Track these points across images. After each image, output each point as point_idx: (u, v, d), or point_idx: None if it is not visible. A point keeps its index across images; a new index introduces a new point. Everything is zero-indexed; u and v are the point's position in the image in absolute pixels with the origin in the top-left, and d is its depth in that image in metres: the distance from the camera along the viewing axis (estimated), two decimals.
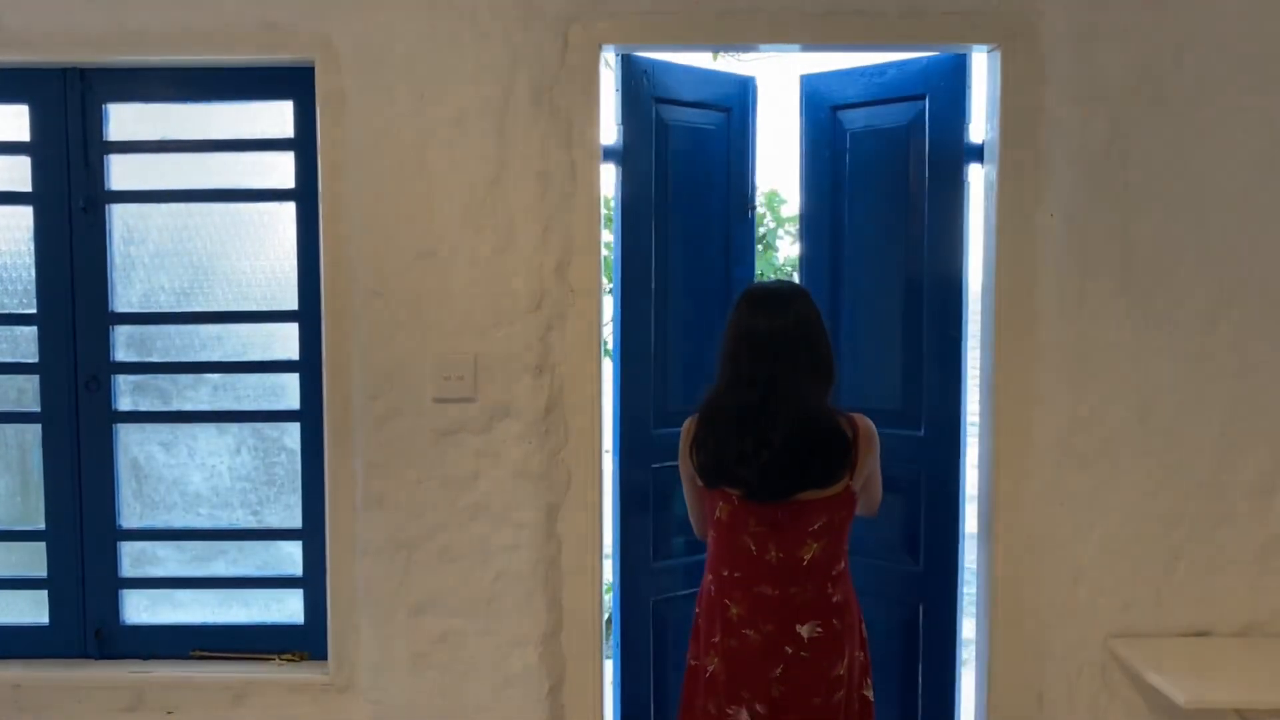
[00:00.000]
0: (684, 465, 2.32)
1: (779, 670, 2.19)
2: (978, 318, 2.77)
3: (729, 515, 2.23)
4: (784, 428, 2.13)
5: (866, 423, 2.25)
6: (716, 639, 2.25)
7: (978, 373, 2.79)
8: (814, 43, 2.66)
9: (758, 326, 2.19)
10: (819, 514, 2.19)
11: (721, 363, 2.25)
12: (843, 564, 2.25)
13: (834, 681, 2.20)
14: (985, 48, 2.64)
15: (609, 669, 2.94)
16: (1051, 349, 2.62)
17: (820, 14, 2.59)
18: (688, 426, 2.31)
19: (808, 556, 2.18)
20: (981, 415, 2.74)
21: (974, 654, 2.80)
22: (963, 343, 2.81)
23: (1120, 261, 2.60)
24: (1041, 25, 2.57)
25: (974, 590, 2.80)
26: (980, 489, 2.74)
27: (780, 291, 2.26)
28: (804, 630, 2.19)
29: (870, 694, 2.33)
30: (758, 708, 2.19)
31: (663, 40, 2.68)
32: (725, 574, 2.25)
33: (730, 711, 2.21)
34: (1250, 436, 2.63)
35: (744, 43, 2.73)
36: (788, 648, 2.18)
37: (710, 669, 2.26)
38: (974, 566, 2.80)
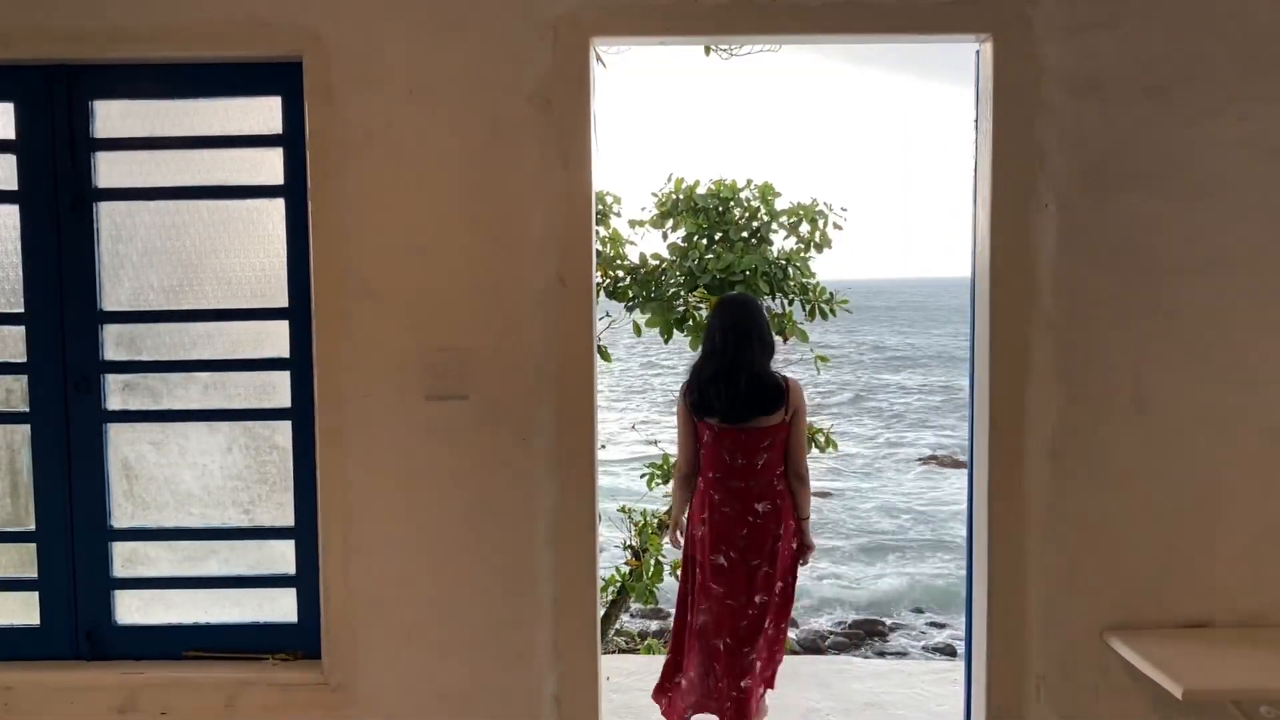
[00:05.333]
0: (680, 409, 3.41)
1: (744, 531, 3.30)
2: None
3: (712, 438, 3.33)
4: (743, 380, 3.27)
5: (795, 380, 3.36)
6: (704, 515, 3.35)
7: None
8: (807, 34, 2.64)
9: (727, 321, 3.35)
10: (767, 435, 3.30)
11: (704, 342, 3.43)
12: (781, 468, 3.35)
13: (777, 537, 3.32)
14: (977, 38, 2.63)
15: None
16: (1047, 339, 2.61)
17: (814, 5, 2.57)
18: (683, 385, 3.42)
19: (760, 462, 3.30)
20: (977, 405, 2.72)
21: (972, 646, 2.79)
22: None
23: (1116, 251, 2.59)
24: (1034, 15, 2.56)
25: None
26: (975, 479, 2.73)
27: (741, 300, 3.53)
28: (759, 506, 3.31)
29: (793, 584, 3.39)
30: (731, 554, 3.31)
31: (654, 33, 2.65)
32: (710, 475, 3.35)
33: (712, 558, 3.32)
34: (1247, 427, 2.62)
35: (736, 35, 2.71)
36: (749, 517, 3.30)
37: (699, 534, 3.37)
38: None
